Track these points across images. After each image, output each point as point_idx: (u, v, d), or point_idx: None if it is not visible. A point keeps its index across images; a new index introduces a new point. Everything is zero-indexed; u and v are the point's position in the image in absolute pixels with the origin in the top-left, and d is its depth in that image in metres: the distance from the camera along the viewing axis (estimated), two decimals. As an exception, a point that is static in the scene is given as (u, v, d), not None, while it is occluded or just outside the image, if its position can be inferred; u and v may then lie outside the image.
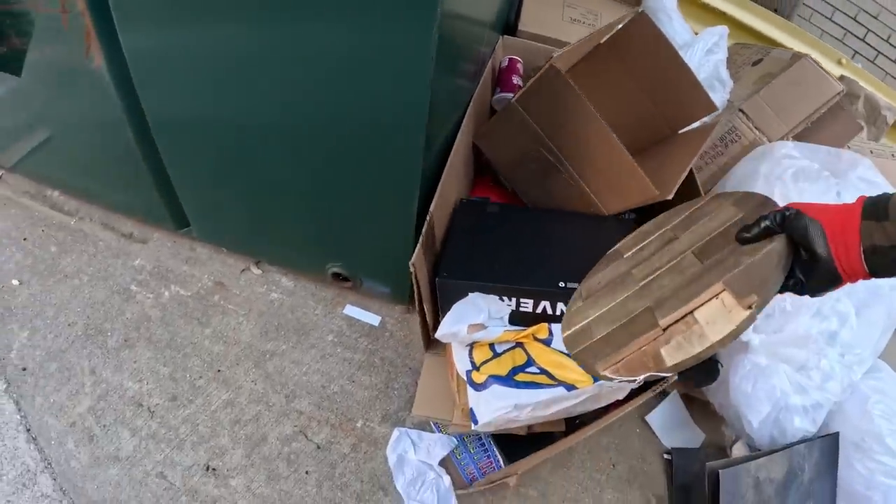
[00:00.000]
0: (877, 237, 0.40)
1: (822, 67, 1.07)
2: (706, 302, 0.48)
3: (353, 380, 0.94)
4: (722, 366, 0.89)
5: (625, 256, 0.64)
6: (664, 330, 0.49)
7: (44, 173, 1.23)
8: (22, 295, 1.12)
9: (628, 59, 0.98)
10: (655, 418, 0.98)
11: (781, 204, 0.50)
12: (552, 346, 0.74)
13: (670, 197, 0.80)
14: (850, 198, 0.93)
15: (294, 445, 0.88)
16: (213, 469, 0.88)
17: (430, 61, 0.59)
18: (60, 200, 1.21)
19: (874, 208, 0.41)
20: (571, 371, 0.71)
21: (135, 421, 0.94)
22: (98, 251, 1.12)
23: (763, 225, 0.47)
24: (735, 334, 0.44)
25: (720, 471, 0.78)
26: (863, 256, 0.41)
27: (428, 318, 0.78)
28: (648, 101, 1.01)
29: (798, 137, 1.06)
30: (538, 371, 0.72)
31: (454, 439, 0.85)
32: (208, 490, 0.87)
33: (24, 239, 1.19)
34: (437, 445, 0.84)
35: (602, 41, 0.91)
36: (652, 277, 0.56)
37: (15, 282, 1.14)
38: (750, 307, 0.45)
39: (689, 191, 0.87)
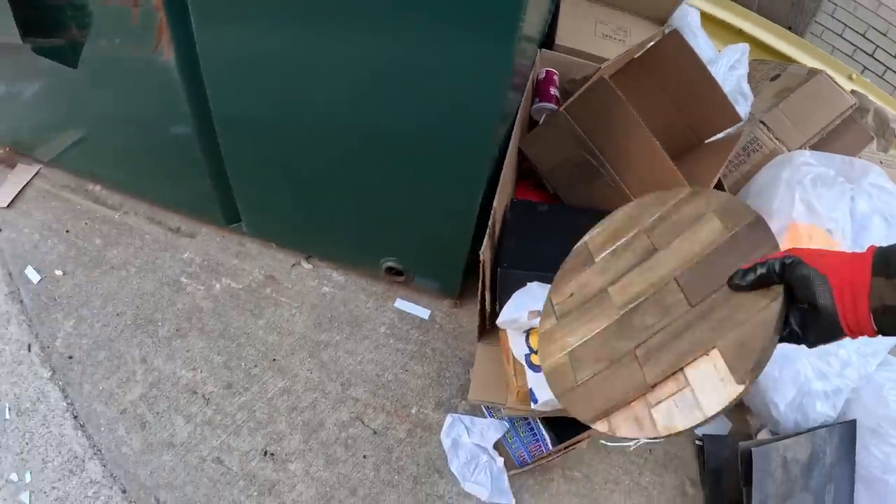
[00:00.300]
0: (888, 296, 0.40)
1: (836, 83, 1.26)
2: (697, 358, 0.50)
3: (407, 369, 1.07)
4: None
5: (596, 260, 0.65)
6: (653, 386, 0.51)
7: (86, 167, 1.35)
8: (66, 285, 1.24)
9: (660, 73, 1.15)
10: (687, 408, 1.12)
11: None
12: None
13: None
14: (864, 204, 1.11)
15: (351, 431, 1.00)
16: (272, 454, 1.00)
17: (508, 74, 0.74)
18: (103, 195, 1.34)
19: (885, 264, 0.41)
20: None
21: (189, 408, 1.05)
22: (145, 244, 1.24)
23: (759, 273, 0.47)
24: (729, 406, 0.47)
25: (753, 449, 0.93)
26: (872, 316, 0.41)
27: (487, 307, 0.93)
28: (677, 111, 1.19)
29: (814, 147, 1.24)
30: (590, 354, 0.87)
31: (506, 423, 0.98)
32: (266, 474, 0.98)
33: (67, 231, 1.31)
34: (490, 429, 0.97)
35: (636, 56, 1.09)
36: (633, 306, 0.57)
37: (59, 272, 1.26)
38: (744, 381, 0.46)
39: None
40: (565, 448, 0.94)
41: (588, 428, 0.97)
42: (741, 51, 1.27)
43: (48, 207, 1.38)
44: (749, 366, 0.47)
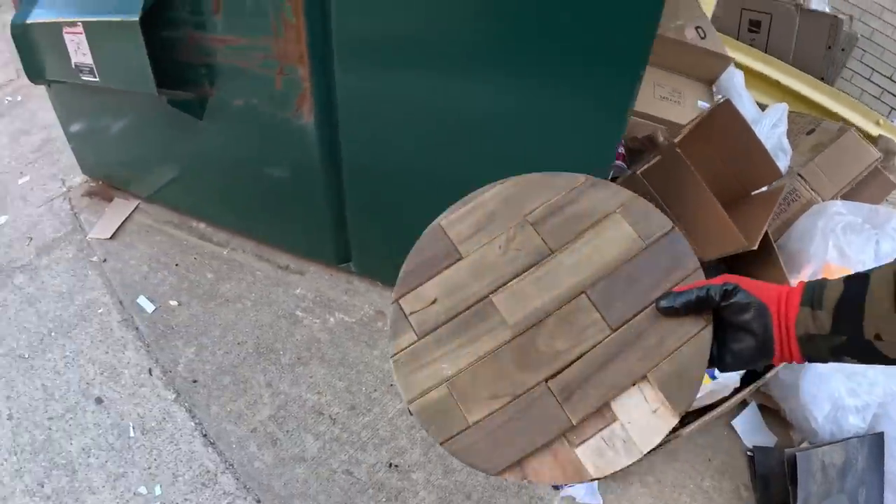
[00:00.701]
0: (811, 325, 0.49)
1: (863, 137, 1.70)
2: (625, 390, 0.53)
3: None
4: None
5: (464, 255, 0.62)
6: (575, 424, 0.52)
7: (191, 206, 1.72)
8: (182, 315, 1.61)
9: (714, 134, 1.57)
10: (739, 423, 1.53)
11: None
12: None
13: (755, 247, 1.37)
14: (887, 246, 1.54)
15: (463, 443, 1.38)
16: (396, 466, 1.37)
17: (622, 132, 1.13)
18: (208, 232, 1.71)
19: (810, 295, 0.50)
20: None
21: (317, 427, 1.42)
22: (257, 280, 1.62)
23: (697, 296, 0.53)
24: (663, 439, 0.52)
25: (797, 454, 1.33)
26: (799, 343, 0.50)
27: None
28: (727, 167, 1.61)
29: (845, 196, 1.68)
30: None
31: (593, 436, 1.37)
32: (392, 483, 1.36)
33: (176, 265, 1.68)
34: (580, 440, 1.36)
35: (697, 121, 1.51)
36: (534, 326, 0.57)
37: (173, 302, 1.63)
38: (681, 413, 0.51)
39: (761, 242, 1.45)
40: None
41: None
42: (781, 110, 1.69)
43: (153, 241, 1.75)
44: (689, 397, 0.52)
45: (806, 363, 0.52)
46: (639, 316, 0.56)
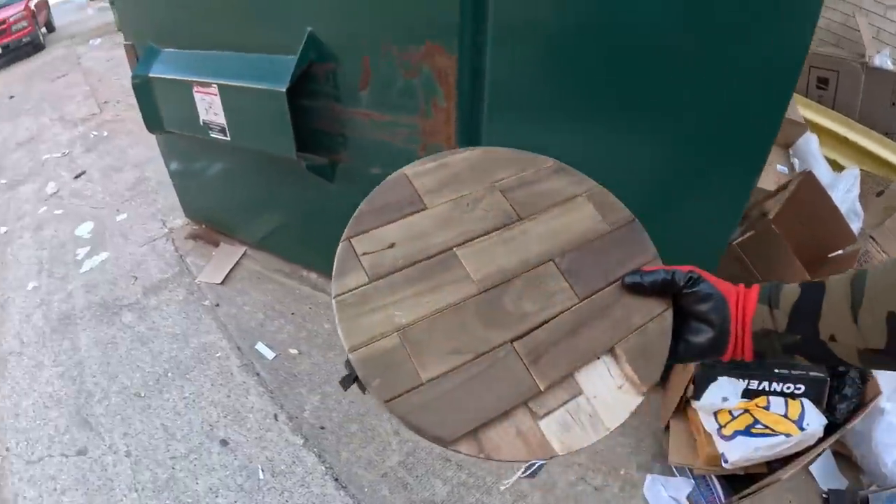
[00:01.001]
0: (768, 321, 0.55)
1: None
2: (589, 361, 0.56)
3: (614, 440, 1.77)
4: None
5: (429, 206, 0.64)
6: (543, 390, 0.54)
7: (301, 255, 1.99)
8: (304, 363, 1.89)
9: (797, 205, 1.90)
10: (815, 468, 1.87)
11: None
12: (770, 410, 1.61)
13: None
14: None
15: (578, 488, 1.70)
16: (517, 507, 1.68)
17: (748, 196, 1.44)
18: (320, 282, 1.99)
19: (767, 294, 0.57)
20: (786, 425, 1.58)
21: (445, 472, 1.73)
22: (374, 333, 1.91)
23: (662, 277, 0.59)
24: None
25: (870, 495, 1.67)
26: (753, 338, 0.56)
27: (689, 394, 1.64)
28: (807, 232, 1.94)
29: (911, 257, 2.01)
30: (763, 426, 1.59)
31: (692, 480, 1.70)
32: (514, 522, 1.67)
33: (292, 313, 1.96)
34: (682, 485, 1.69)
35: (787, 196, 1.83)
36: (502, 283, 0.59)
37: (293, 350, 1.91)
38: (645, 392, 0.55)
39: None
40: (738, 500, 1.67)
41: (751, 482, 1.69)
42: (854, 176, 2.02)
43: (265, 289, 2.03)
44: (655, 375, 0.56)
45: (753, 360, 0.58)
46: (605, 290, 0.61)
